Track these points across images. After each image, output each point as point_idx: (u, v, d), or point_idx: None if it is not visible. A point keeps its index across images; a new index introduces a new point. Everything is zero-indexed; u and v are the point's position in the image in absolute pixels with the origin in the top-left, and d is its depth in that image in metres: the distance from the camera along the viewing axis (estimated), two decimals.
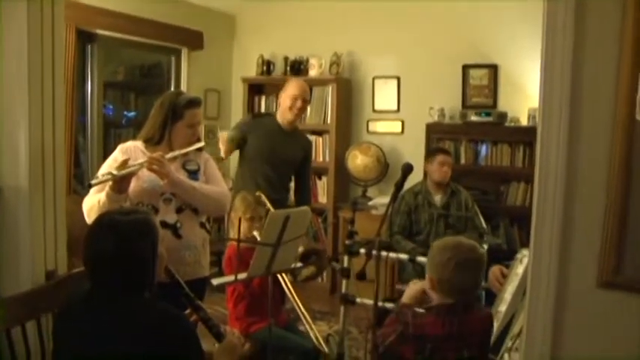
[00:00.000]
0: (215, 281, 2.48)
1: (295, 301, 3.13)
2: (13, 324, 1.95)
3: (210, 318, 2.06)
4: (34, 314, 2.03)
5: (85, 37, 4.33)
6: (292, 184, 4.00)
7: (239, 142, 3.72)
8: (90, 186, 2.41)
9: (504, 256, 2.98)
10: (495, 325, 2.48)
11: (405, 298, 2.36)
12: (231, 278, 2.54)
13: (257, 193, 3.27)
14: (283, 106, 3.78)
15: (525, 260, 2.75)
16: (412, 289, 2.39)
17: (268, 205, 3.22)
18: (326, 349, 3.13)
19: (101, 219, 1.80)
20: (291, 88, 3.77)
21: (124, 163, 2.40)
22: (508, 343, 2.34)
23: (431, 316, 2.18)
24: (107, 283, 1.71)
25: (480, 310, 2.28)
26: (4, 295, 2.14)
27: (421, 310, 2.26)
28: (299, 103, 3.74)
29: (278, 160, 3.76)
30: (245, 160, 3.74)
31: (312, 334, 3.10)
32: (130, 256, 1.70)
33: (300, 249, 2.97)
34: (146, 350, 1.65)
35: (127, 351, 1.64)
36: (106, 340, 1.66)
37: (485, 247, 3.97)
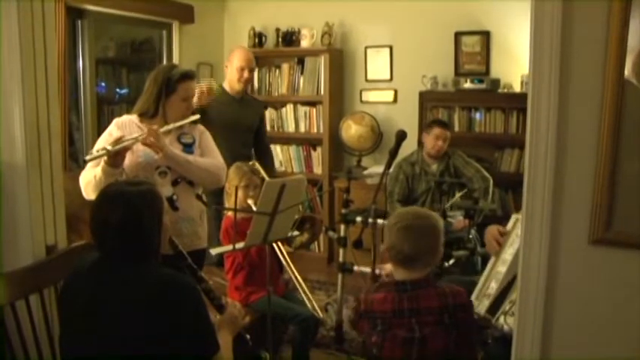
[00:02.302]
0: (213, 251, 2.52)
1: (291, 270, 3.17)
2: (17, 297, 1.98)
3: (212, 290, 2.10)
4: (36, 288, 2.05)
5: (74, 13, 4.29)
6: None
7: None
8: (85, 162, 2.44)
9: (499, 222, 3.01)
10: (495, 285, 2.50)
11: (385, 271, 2.39)
12: (229, 248, 2.57)
13: (251, 162, 3.30)
14: (231, 77, 3.91)
15: None
16: (389, 266, 2.38)
17: (263, 173, 3.25)
18: (321, 315, 3.18)
19: (109, 189, 1.84)
20: (237, 60, 3.88)
21: (118, 140, 2.43)
22: (506, 306, 2.36)
23: (381, 292, 2.18)
24: (114, 252, 1.75)
25: (439, 286, 2.19)
26: (5, 270, 2.16)
27: (375, 285, 2.28)
28: (246, 74, 3.89)
29: (239, 130, 3.88)
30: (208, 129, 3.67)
31: (308, 303, 3.14)
32: (136, 225, 1.73)
33: (296, 216, 3.00)
34: (150, 314, 1.68)
35: (131, 316, 1.68)
36: (110, 305, 1.69)
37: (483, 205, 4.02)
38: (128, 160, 2.54)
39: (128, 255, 1.75)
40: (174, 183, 2.63)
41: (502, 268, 2.51)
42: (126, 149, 2.46)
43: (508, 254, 2.53)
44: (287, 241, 3.24)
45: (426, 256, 2.17)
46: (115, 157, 2.42)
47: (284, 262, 3.20)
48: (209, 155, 2.76)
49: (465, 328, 2.11)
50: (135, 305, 1.68)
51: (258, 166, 3.31)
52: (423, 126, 4.66)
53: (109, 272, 1.75)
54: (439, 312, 2.09)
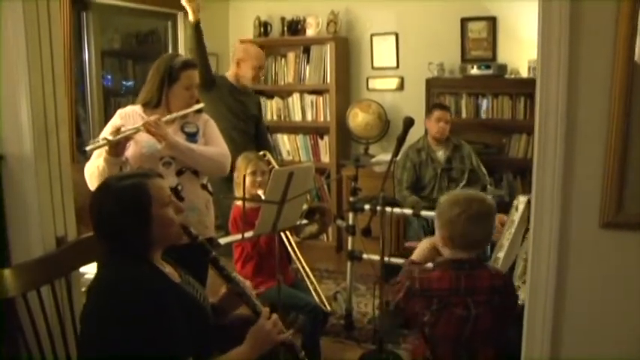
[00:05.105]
0: (222, 240, 2.52)
1: (300, 261, 3.17)
2: (29, 289, 1.99)
3: (244, 293, 1.97)
4: (48, 279, 2.06)
5: (79, 5, 4.28)
6: None
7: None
8: (85, 151, 2.44)
9: (507, 208, 3.01)
10: None
11: (415, 256, 2.38)
12: (237, 237, 2.58)
13: (261, 152, 3.31)
14: (244, 74, 4.01)
15: (521, 207, 2.80)
16: (422, 247, 2.40)
17: (273, 162, 3.25)
18: (329, 309, 3.17)
19: (102, 182, 1.84)
20: (253, 60, 4.01)
21: (118, 129, 2.43)
22: (518, 283, 2.44)
23: (438, 271, 2.19)
24: (102, 245, 1.77)
25: (490, 268, 2.28)
26: (15, 261, 2.18)
27: (429, 266, 2.28)
28: (262, 73, 4.17)
29: (244, 116, 4.01)
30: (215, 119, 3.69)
31: (316, 297, 3.13)
32: (108, 221, 1.72)
33: (305, 206, 2.99)
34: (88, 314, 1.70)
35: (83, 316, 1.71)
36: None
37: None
38: (132, 151, 2.54)
39: (105, 249, 1.76)
40: (179, 173, 2.62)
41: (500, 254, 2.57)
42: (127, 139, 2.45)
43: (505, 239, 2.57)
44: (295, 231, 3.24)
45: (490, 237, 2.25)
46: (116, 147, 2.41)
47: (292, 253, 3.20)
48: (213, 144, 2.75)
49: (511, 308, 2.17)
50: (87, 305, 1.70)
51: (269, 156, 3.33)
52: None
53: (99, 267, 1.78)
54: (490, 292, 2.13)
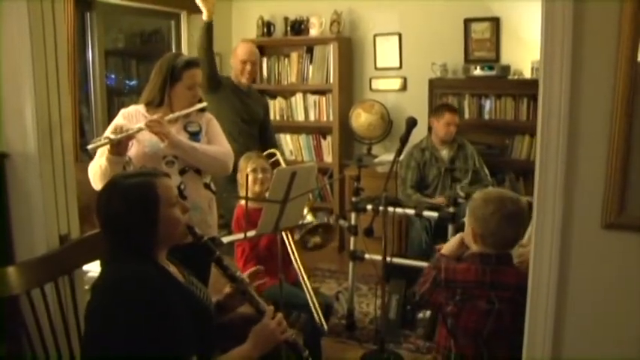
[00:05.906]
0: (225, 239, 2.52)
1: (297, 263, 3.17)
2: (33, 286, 2.00)
3: (248, 291, 1.97)
4: (51, 277, 2.07)
5: (83, 5, 4.29)
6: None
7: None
8: (87, 150, 2.45)
9: None
10: None
11: (445, 249, 2.40)
12: (240, 236, 2.58)
13: (270, 151, 3.33)
14: (236, 69, 4.09)
15: None
16: (453, 241, 2.41)
17: (282, 162, 3.25)
18: (325, 328, 3.14)
19: (109, 180, 1.83)
20: (240, 54, 4.07)
21: (120, 128, 2.44)
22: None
23: (465, 263, 2.22)
24: (107, 243, 1.77)
25: (515, 265, 2.27)
26: (19, 259, 2.19)
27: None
28: (248, 67, 4.07)
29: (247, 117, 4.05)
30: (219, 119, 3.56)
31: (311, 304, 3.09)
32: (115, 219, 1.72)
33: (313, 220, 3.01)
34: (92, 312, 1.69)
35: (88, 313, 1.71)
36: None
37: None
38: (134, 150, 2.55)
39: (109, 247, 1.76)
40: (182, 172, 2.63)
41: None
42: (129, 137, 2.46)
43: None
44: (303, 241, 3.25)
45: (520, 239, 2.24)
46: (118, 146, 2.42)
47: (291, 254, 3.20)
48: (216, 142, 2.76)
49: None
50: (94, 300, 1.70)
51: (279, 155, 3.34)
52: (432, 110, 4.66)
53: (103, 265, 1.78)
54: (515, 290, 2.13)
